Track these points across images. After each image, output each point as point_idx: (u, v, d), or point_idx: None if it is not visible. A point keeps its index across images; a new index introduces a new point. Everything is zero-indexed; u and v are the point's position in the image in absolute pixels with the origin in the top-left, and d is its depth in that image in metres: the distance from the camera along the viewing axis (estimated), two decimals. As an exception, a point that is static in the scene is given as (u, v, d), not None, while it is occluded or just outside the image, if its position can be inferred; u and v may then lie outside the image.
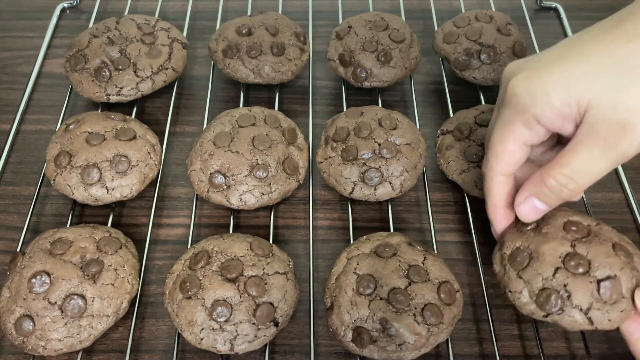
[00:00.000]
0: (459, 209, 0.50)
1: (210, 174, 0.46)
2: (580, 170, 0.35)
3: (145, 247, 0.46)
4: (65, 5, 0.66)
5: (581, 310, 0.35)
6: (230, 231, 0.47)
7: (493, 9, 0.64)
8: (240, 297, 0.39)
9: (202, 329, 0.39)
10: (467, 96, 0.57)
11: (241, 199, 0.46)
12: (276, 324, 0.40)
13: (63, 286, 0.40)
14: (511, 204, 0.40)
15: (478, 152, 0.47)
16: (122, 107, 0.54)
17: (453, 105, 0.54)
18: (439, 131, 0.51)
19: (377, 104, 0.54)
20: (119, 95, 0.52)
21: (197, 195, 0.49)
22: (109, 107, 0.54)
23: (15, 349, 0.42)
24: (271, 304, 0.40)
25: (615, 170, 0.52)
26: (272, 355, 0.42)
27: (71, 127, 0.48)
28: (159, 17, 0.61)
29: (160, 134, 0.52)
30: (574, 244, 0.37)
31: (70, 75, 0.53)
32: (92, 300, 0.40)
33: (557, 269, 0.36)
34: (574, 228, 0.38)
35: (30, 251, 0.42)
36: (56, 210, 0.50)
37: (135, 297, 0.43)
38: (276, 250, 0.43)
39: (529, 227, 0.39)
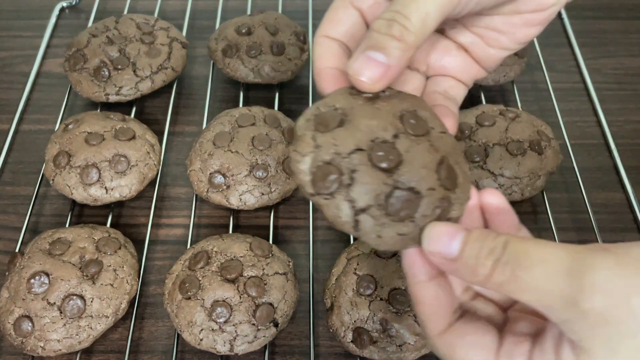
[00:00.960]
0: (459, 209, 0.50)
1: (210, 174, 0.46)
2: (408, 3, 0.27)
3: (144, 247, 0.46)
4: (65, 4, 0.66)
5: (353, 206, 0.26)
6: (230, 231, 0.47)
7: (493, 8, 0.64)
8: (240, 297, 0.39)
9: (202, 329, 0.39)
10: (468, 96, 0.57)
11: (241, 199, 0.46)
12: (276, 325, 0.40)
13: (62, 286, 0.40)
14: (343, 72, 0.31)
15: (479, 152, 0.47)
16: (122, 107, 0.54)
17: (453, 105, 0.54)
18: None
19: (377, 104, 0.54)
20: (118, 95, 0.52)
21: (196, 195, 0.48)
22: (108, 106, 0.54)
23: (15, 349, 0.42)
24: (271, 304, 0.39)
25: (617, 171, 0.52)
26: (272, 356, 0.42)
27: (70, 126, 0.48)
28: (158, 16, 0.61)
29: (159, 134, 0.52)
30: (398, 135, 0.27)
31: (69, 74, 0.53)
32: (91, 301, 0.40)
33: (357, 150, 0.26)
34: (412, 121, 0.28)
35: (29, 251, 0.42)
36: (55, 211, 0.50)
37: (135, 297, 0.43)
38: (276, 250, 0.43)
39: (364, 94, 0.28)
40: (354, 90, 0.28)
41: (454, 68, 0.34)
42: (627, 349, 0.21)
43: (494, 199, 0.29)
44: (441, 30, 0.33)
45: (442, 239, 0.25)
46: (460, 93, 0.35)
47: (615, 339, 0.21)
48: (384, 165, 0.26)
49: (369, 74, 0.28)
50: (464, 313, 0.28)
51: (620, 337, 0.21)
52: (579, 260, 0.21)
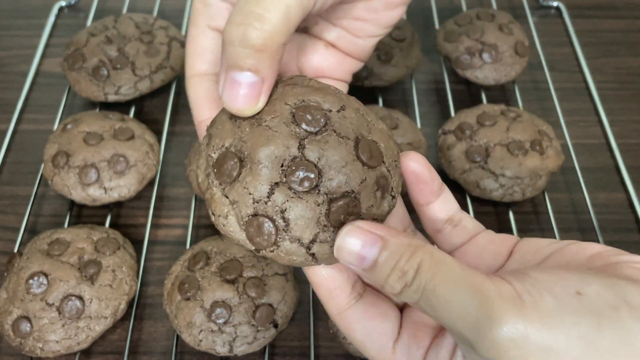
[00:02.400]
0: (460, 209, 0.49)
1: (209, 174, 0.46)
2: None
3: (143, 247, 0.46)
4: (63, 4, 0.65)
5: (302, 244, 0.24)
6: (230, 232, 0.46)
7: (494, 7, 0.64)
8: (240, 298, 0.39)
9: (201, 330, 0.39)
10: (469, 95, 0.57)
11: (240, 199, 0.45)
12: (275, 326, 0.39)
13: (61, 287, 0.39)
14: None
15: (480, 152, 0.47)
16: (121, 107, 0.54)
17: (454, 104, 0.54)
18: (440, 131, 0.51)
19: (378, 104, 0.54)
20: (117, 94, 0.52)
21: (196, 195, 0.48)
22: (107, 106, 0.54)
23: (13, 350, 0.41)
24: (270, 305, 0.39)
25: (618, 171, 0.52)
26: (271, 357, 0.42)
27: (69, 126, 0.48)
28: (157, 15, 0.61)
29: (158, 134, 0.52)
30: (302, 143, 0.24)
31: (68, 74, 0.53)
32: (90, 302, 0.39)
33: (274, 186, 0.24)
34: (308, 117, 0.24)
35: (27, 252, 0.42)
36: (54, 211, 0.49)
37: (134, 298, 0.43)
38: (276, 251, 0.43)
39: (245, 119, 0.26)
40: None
41: (328, 67, 0.31)
42: None
43: (416, 165, 0.28)
44: (305, 30, 0.31)
45: (355, 252, 0.23)
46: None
47: None
48: (306, 187, 0.24)
49: (242, 100, 0.24)
50: (366, 290, 0.27)
51: None
52: (485, 313, 0.20)
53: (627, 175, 0.51)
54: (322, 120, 0.25)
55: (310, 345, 0.41)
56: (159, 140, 0.51)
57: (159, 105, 0.57)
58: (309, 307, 0.43)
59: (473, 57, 0.53)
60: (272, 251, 0.24)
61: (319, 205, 0.24)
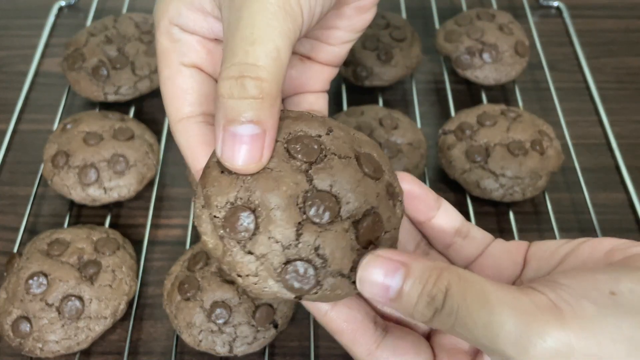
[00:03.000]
0: (460, 209, 0.49)
1: (209, 174, 0.45)
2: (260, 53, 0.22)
3: (143, 248, 0.46)
4: (63, 3, 0.65)
5: (342, 274, 0.23)
6: (230, 232, 0.46)
7: (495, 7, 0.64)
8: (239, 298, 0.39)
9: (201, 330, 0.39)
10: (469, 95, 0.57)
11: (240, 200, 0.45)
12: (275, 326, 0.39)
13: (60, 287, 0.39)
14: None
15: (480, 152, 0.47)
16: (120, 107, 0.54)
17: (454, 104, 0.54)
18: (440, 131, 0.50)
19: (378, 104, 0.54)
20: (117, 94, 0.52)
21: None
22: (106, 106, 0.54)
23: (13, 350, 0.41)
24: (270, 305, 0.39)
25: (618, 171, 0.52)
26: (271, 357, 0.42)
27: (68, 126, 0.48)
28: (158, 15, 0.61)
29: (158, 134, 0.52)
30: (310, 175, 0.23)
31: (67, 74, 0.53)
32: (90, 302, 0.39)
33: (299, 226, 0.23)
34: (302, 147, 0.24)
35: (27, 252, 0.42)
36: (53, 211, 0.49)
37: (133, 298, 0.43)
38: (276, 251, 0.43)
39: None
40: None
41: (306, 81, 0.30)
42: None
43: (406, 184, 0.27)
44: None
45: (379, 283, 0.22)
46: (323, 103, 0.31)
47: None
48: (329, 217, 0.23)
49: (245, 156, 0.22)
50: (389, 325, 0.26)
51: None
52: (526, 328, 0.20)
53: (627, 175, 0.51)
54: (316, 147, 0.24)
55: (310, 346, 0.41)
56: (159, 140, 0.51)
57: (159, 105, 0.56)
58: (309, 307, 0.43)
59: (473, 57, 0.53)
60: (315, 292, 0.23)
61: (347, 231, 0.23)
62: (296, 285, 0.23)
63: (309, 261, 0.23)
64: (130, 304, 0.42)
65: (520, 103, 0.55)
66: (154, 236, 0.48)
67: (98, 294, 0.40)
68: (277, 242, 0.23)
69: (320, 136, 0.24)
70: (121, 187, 0.46)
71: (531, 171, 0.46)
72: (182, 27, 0.26)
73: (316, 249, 0.23)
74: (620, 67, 0.61)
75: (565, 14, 0.64)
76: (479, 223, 0.46)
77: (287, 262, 0.23)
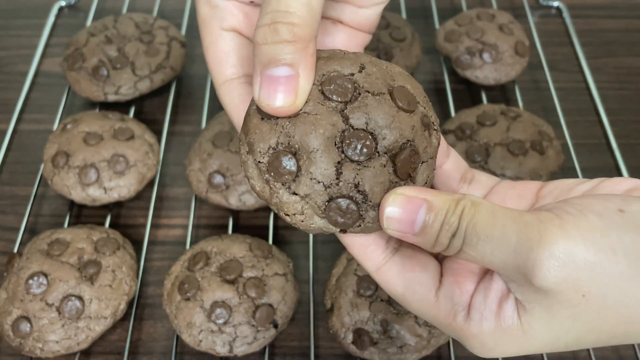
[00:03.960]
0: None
1: (209, 173, 0.46)
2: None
3: (143, 248, 0.46)
4: (63, 3, 0.65)
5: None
6: (230, 232, 0.46)
7: (495, 7, 0.64)
8: (240, 298, 0.39)
9: (201, 330, 0.39)
10: (469, 95, 0.57)
11: (240, 199, 0.45)
12: (275, 326, 0.39)
13: (60, 287, 0.39)
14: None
15: (480, 152, 0.47)
16: (120, 107, 0.54)
17: (454, 104, 0.54)
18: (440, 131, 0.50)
19: (378, 103, 0.54)
20: (117, 94, 0.52)
21: (195, 195, 0.48)
22: (106, 106, 0.54)
23: (13, 350, 0.41)
24: (270, 305, 0.39)
25: (618, 171, 0.52)
26: (271, 357, 0.42)
27: (68, 126, 0.48)
28: (157, 15, 0.61)
29: (158, 134, 0.52)
30: (345, 115, 0.24)
31: (67, 74, 0.53)
32: (90, 302, 0.39)
33: (339, 165, 0.24)
34: (336, 88, 0.25)
35: (27, 252, 0.42)
36: (54, 211, 0.49)
37: (133, 298, 0.43)
38: (276, 251, 0.43)
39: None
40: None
41: (339, 45, 0.31)
42: (564, 315, 0.22)
43: None
44: None
45: (404, 219, 0.23)
46: None
47: (555, 307, 0.22)
48: (367, 154, 0.24)
49: (280, 97, 0.23)
50: (402, 244, 0.26)
51: (560, 306, 0.21)
52: (526, 236, 0.21)
53: (627, 176, 0.51)
54: (349, 86, 0.25)
55: (310, 346, 0.41)
56: (159, 140, 0.51)
57: (159, 105, 0.56)
58: (309, 307, 0.43)
59: (473, 57, 0.53)
60: (359, 225, 0.25)
61: (384, 166, 0.24)
62: (340, 220, 0.24)
63: (350, 198, 0.24)
64: (130, 304, 0.42)
65: (520, 103, 0.55)
66: (154, 236, 0.48)
67: (98, 294, 0.40)
68: (318, 182, 0.24)
69: (353, 74, 0.25)
70: (121, 187, 0.46)
71: (531, 171, 0.46)
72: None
73: (356, 185, 0.24)
74: (620, 67, 0.61)
75: (565, 14, 0.64)
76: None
77: (330, 199, 0.24)
